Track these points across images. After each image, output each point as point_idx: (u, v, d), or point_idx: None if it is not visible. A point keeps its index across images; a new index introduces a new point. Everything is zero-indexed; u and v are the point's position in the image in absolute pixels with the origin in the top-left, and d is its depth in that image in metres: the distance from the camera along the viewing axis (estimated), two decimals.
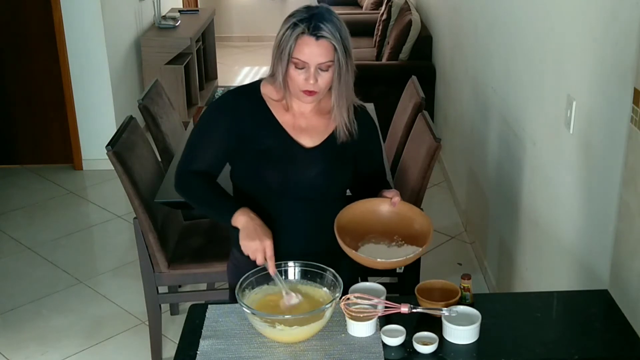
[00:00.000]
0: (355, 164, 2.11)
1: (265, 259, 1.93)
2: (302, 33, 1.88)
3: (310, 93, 1.94)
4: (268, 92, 2.04)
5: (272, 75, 1.99)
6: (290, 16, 1.93)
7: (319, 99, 2.00)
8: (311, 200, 2.04)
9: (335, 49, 1.89)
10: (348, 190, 2.18)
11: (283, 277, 1.96)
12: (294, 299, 1.90)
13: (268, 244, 1.92)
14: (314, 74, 1.91)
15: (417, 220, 2.02)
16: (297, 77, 1.92)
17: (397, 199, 2.01)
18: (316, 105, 2.05)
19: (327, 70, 1.92)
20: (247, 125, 2.02)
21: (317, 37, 1.88)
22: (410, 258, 1.91)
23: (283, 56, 1.91)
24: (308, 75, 1.91)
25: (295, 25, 1.89)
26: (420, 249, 1.92)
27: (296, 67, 1.91)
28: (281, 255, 1.98)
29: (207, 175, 2.07)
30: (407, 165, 3.22)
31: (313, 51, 1.89)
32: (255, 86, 2.07)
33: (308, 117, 2.05)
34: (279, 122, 2.03)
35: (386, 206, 2.03)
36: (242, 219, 1.96)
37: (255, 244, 1.92)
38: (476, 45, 4.12)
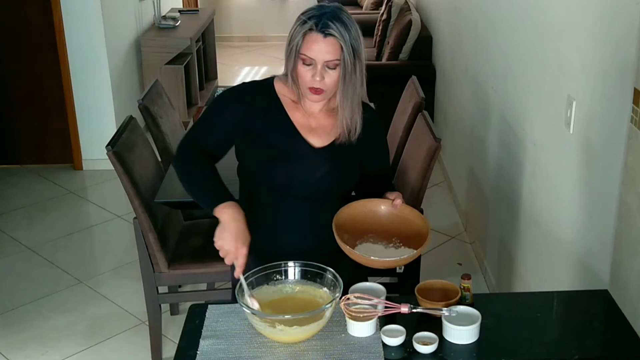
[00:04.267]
0: (362, 165, 2.11)
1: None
2: (311, 30, 1.90)
3: (316, 91, 1.95)
4: (280, 89, 2.06)
5: (285, 74, 2.00)
6: (302, 14, 1.95)
7: (326, 98, 2.00)
8: (315, 200, 2.05)
9: (342, 48, 1.90)
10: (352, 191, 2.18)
11: (283, 277, 1.96)
12: (255, 305, 1.87)
13: (242, 253, 1.90)
14: (321, 71, 1.92)
15: (417, 223, 2.02)
16: (305, 73, 1.93)
17: (398, 201, 2.01)
18: (326, 105, 2.05)
19: (334, 69, 1.93)
20: (259, 118, 2.02)
21: (325, 35, 1.89)
22: (404, 259, 1.91)
23: (292, 52, 1.93)
24: (315, 72, 1.92)
25: (304, 22, 1.91)
26: (415, 252, 1.92)
27: (304, 64, 1.93)
28: (282, 254, 1.98)
29: (209, 155, 2.05)
30: (407, 165, 3.22)
31: (320, 48, 1.90)
32: (269, 82, 2.09)
33: (318, 117, 2.06)
34: (290, 120, 2.04)
35: (387, 207, 2.03)
36: (226, 215, 1.91)
37: (230, 248, 1.90)
38: (476, 45, 4.12)
